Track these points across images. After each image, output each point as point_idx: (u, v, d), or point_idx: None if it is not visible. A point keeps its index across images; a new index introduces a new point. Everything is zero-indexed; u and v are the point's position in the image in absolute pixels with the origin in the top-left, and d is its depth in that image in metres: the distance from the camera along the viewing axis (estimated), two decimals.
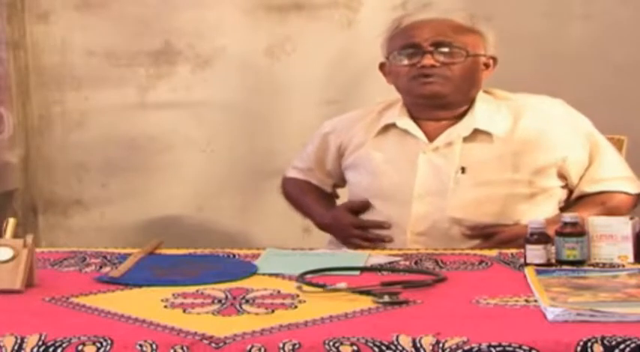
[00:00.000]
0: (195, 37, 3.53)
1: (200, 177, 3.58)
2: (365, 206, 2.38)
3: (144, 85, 3.57)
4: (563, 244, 1.90)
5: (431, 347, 1.40)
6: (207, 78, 3.54)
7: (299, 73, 3.49)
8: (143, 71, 3.56)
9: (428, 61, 2.30)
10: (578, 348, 1.38)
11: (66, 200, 3.65)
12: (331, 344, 1.41)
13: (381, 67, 2.45)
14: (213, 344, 1.42)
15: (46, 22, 3.57)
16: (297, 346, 1.41)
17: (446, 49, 2.31)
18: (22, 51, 3.57)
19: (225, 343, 1.42)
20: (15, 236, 1.82)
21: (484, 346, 1.39)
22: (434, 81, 2.31)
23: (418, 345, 1.40)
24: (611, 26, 3.35)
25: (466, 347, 1.40)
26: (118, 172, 3.60)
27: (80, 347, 1.43)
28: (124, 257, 2.03)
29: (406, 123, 2.38)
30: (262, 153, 3.49)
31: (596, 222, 1.95)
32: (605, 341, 1.39)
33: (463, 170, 2.29)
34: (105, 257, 2.07)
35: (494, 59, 2.40)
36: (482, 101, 2.37)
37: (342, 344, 1.41)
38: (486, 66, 2.39)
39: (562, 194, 2.36)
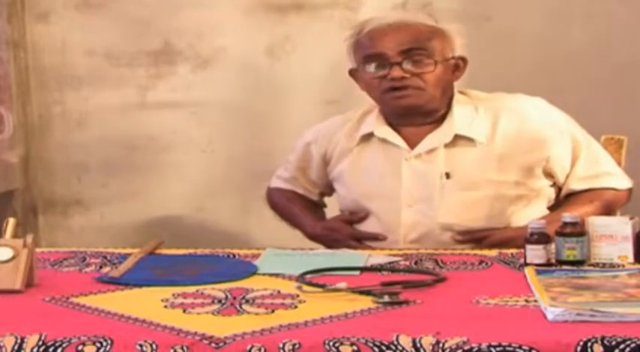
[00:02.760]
0: (195, 37, 3.53)
1: (200, 177, 3.58)
2: (361, 218, 2.37)
3: (144, 84, 3.57)
4: (563, 244, 1.90)
5: (431, 347, 1.40)
6: (207, 78, 3.54)
7: (299, 73, 3.49)
8: (143, 71, 3.56)
9: (397, 73, 2.25)
10: (578, 348, 1.38)
11: (66, 200, 3.65)
12: (331, 344, 1.41)
13: (351, 73, 2.39)
14: (213, 344, 1.42)
15: (46, 22, 3.57)
16: (297, 346, 1.41)
17: (414, 59, 2.26)
18: (22, 51, 3.57)
19: (225, 343, 1.42)
20: (15, 236, 1.82)
21: (484, 346, 1.39)
22: (407, 94, 2.27)
23: (418, 345, 1.40)
24: (611, 26, 3.34)
25: (466, 347, 1.40)
26: (118, 172, 3.60)
27: (80, 347, 1.43)
28: (124, 257, 2.03)
29: (384, 131, 2.35)
30: (262, 153, 3.49)
31: (596, 222, 1.95)
32: (605, 341, 1.39)
33: (448, 175, 2.28)
34: (105, 257, 2.07)
35: (464, 60, 2.35)
36: (459, 104, 2.34)
37: (342, 344, 1.41)
38: (457, 66, 2.34)
39: (551, 193, 2.36)
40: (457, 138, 2.30)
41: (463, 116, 2.32)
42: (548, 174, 2.33)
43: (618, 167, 2.40)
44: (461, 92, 2.39)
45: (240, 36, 3.52)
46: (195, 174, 3.58)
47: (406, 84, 2.27)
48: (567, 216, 1.94)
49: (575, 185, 2.34)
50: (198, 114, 3.56)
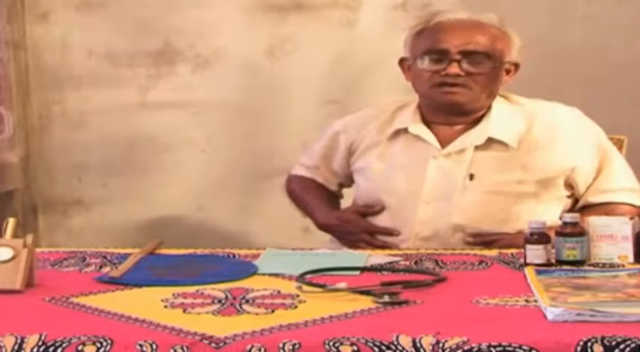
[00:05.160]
0: (195, 37, 3.53)
1: (200, 177, 3.58)
2: (376, 211, 2.36)
3: (144, 84, 3.57)
4: (563, 244, 1.90)
5: (431, 347, 1.40)
6: (207, 78, 3.54)
7: (299, 73, 3.49)
8: (143, 71, 3.56)
9: (454, 70, 2.26)
10: (578, 348, 1.38)
11: (66, 200, 3.65)
12: (331, 344, 1.41)
13: (401, 61, 2.40)
14: (213, 344, 1.42)
15: (46, 22, 3.57)
16: (297, 346, 1.41)
17: (474, 60, 2.27)
18: (22, 51, 3.57)
19: (225, 343, 1.42)
20: (15, 236, 1.82)
21: (484, 346, 1.39)
22: (455, 90, 2.28)
23: (418, 345, 1.40)
24: (611, 26, 3.35)
25: (466, 347, 1.40)
26: (118, 172, 3.60)
27: (80, 347, 1.43)
28: (124, 257, 2.03)
29: (419, 128, 2.35)
30: (262, 153, 3.49)
31: (596, 222, 1.95)
32: (605, 341, 1.39)
33: (471, 177, 2.28)
34: (105, 257, 2.07)
35: (517, 65, 2.36)
36: (498, 107, 2.34)
37: (342, 344, 1.41)
38: (507, 72, 2.35)
39: (567, 203, 2.35)
40: (490, 141, 2.30)
41: (499, 119, 2.32)
42: (569, 185, 2.32)
43: (638, 183, 2.39)
44: (501, 95, 2.38)
45: (240, 36, 3.52)
46: (195, 174, 3.58)
47: (458, 81, 2.27)
48: (567, 216, 1.95)
49: (592, 197, 2.34)
50: (198, 114, 3.56)
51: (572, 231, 1.91)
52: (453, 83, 2.27)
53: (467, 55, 2.27)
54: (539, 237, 1.91)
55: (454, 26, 2.31)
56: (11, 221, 1.84)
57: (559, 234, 1.91)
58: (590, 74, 3.34)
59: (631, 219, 1.95)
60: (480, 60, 2.28)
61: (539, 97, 2.43)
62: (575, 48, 3.36)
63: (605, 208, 2.32)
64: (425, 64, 2.30)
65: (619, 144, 2.51)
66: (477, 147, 2.30)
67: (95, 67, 3.57)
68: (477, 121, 2.33)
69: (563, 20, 3.38)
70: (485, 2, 3.36)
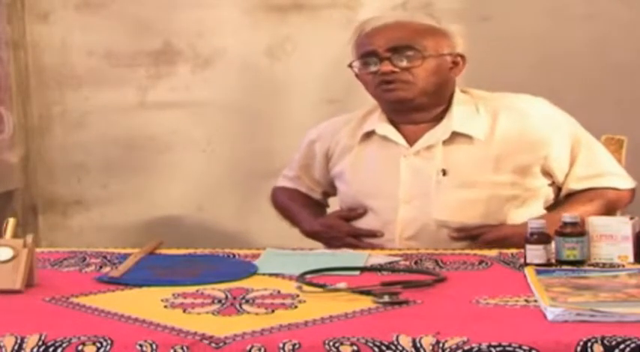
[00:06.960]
0: (195, 37, 3.54)
1: (200, 177, 3.58)
2: (359, 214, 2.38)
3: (144, 85, 3.57)
4: (563, 244, 1.90)
5: (431, 347, 1.40)
6: (207, 78, 3.54)
7: (299, 72, 3.49)
8: (143, 71, 3.56)
9: (386, 67, 2.30)
10: (578, 348, 1.38)
11: (66, 200, 3.65)
12: (331, 344, 1.41)
13: (356, 73, 2.43)
14: (213, 344, 1.42)
15: (46, 22, 3.58)
16: (297, 346, 1.41)
17: (405, 54, 2.30)
18: (22, 51, 3.57)
19: (225, 343, 1.42)
20: (15, 236, 1.82)
21: (484, 346, 1.39)
22: (396, 87, 2.31)
23: (418, 345, 1.40)
24: (611, 26, 3.35)
25: (466, 347, 1.40)
26: (118, 172, 3.60)
27: (80, 347, 1.43)
28: (124, 257, 2.03)
29: (385, 129, 2.38)
30: (262, 153, 3.49)
31: (596, 222, 1.95)
32: (605, 341, 1.39)
33: (444, 172, 2.29)
34: (105, 257, 2.07)
35: (463, 57, 2.38)
36: (459, 102, 2.36)
37: (342, 344, 1.41)
38: (455, 64, 2.37)
39: (549, 192, 2.36)
40: (455, 136, 2.32)
41: (462, 114, 2.34)
42: (547, 173, 2.33)
43: (621, 167, 2.40)
44: (463, 90, 2.41)
45: (240, 36, 3.52)
46: (195, 174, 3.58)
47: (396, 78, 2.31)
48: (567, 216, 1.94)
49: (574, 185, 2.34)
50: (198, 114, 3.56)
51: (572, 230, 1.91)
52: (390, 80, 2.31)
53: (395, 51, 2.31)
54: (539, 236, 1.91)
55: (380, 29, 2.36)
56: (11, 221, 1.85)
57: (559, 233, 1.91)
58: (590, 74, 3.35)
59: (631, 218, 1.95)
60: (411, 54, 2.31)
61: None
62: (574, 48, 3.36)
63: (588, 194, 2.33)
64: (363, 68, 2.36)
65: (619, 144, 2.51)
66: (445, 144, 2.32)
67: (95, 67, 3.57)
68: (440, 117, 2.36)
69: (562, 20, 3.38)
70: (485, 2, 3.39)
